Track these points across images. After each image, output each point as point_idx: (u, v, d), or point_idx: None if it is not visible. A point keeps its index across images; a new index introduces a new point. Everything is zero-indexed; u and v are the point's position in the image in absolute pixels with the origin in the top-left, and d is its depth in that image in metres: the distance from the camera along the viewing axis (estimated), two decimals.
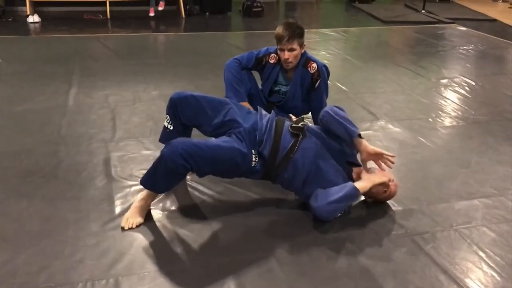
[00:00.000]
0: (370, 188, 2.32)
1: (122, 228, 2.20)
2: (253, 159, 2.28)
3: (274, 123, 2.39)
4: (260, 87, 3.18)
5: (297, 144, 2.32)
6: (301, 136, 2.35)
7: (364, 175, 2.36)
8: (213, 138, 2.38)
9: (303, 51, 2.95)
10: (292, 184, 2.36)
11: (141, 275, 1.94)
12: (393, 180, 2.43)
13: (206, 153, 2.15)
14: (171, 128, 2.53)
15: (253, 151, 2.30)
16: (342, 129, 2.36)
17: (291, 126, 2.39)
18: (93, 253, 2.05)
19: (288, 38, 2.80)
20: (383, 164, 2.38)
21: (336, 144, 2.43)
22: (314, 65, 2.98)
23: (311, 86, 3.01)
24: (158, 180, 2.20)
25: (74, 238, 2.14)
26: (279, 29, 2.85)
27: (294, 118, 2.45)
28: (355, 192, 2.26)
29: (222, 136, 2.36)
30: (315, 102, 3.10)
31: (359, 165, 2.46)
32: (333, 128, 2.40)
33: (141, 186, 2.55)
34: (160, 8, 7.59)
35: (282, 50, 2.87)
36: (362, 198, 2.49)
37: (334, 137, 2.43)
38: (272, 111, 2.62)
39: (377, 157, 2.37)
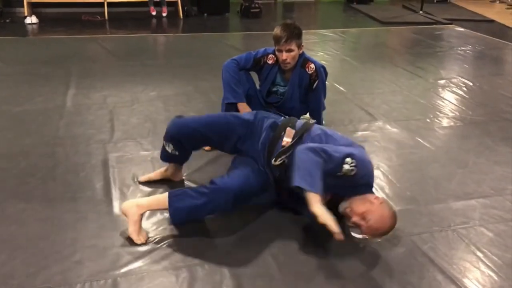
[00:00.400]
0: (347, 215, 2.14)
1: (141, 242, 2.13)
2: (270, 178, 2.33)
3: (267, 144, 2.32)
4: (258, 87, 3.19)
5: (283, 177, 2.25)
6: (286, 163, 2.23)
7: (320, 208, 1.98)
8: None
9: (301, 51, 2.96)
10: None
11: (139, 276, 1.94)
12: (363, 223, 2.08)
13: (249, 192, 2.23)
14: (177, 153, 2.47)
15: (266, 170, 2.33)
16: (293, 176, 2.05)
17: (273, 162, 2.26)
18: (91, 254, 2.05)
19: (286, 39, 2.80)
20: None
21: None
22: (312, 65, 2.99)
23: (309, 86, 3.02)
24: (191, 215, 2.18)
25: (72, 239, 2.14)
26: (277, 30, 2.85)
27: (285, 140, 2.29)
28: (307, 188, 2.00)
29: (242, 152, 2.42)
30: (313, 103, 3.12)
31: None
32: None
33: (140, 189, 2.57)
34: (164, 14, 7.61)
35: (280, 51, 2.86)
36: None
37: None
38: (265, 130, 2.40)
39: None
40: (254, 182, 2.24)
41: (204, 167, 2.82)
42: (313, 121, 2.98)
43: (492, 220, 2.41)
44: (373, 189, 2.33)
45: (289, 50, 2.84)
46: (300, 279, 1.97)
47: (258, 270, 2.01)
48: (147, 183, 2.62)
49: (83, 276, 1.92)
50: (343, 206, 2.15)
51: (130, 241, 2.13)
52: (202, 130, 2.39)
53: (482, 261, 2.11)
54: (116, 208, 2.38)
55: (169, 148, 2.46)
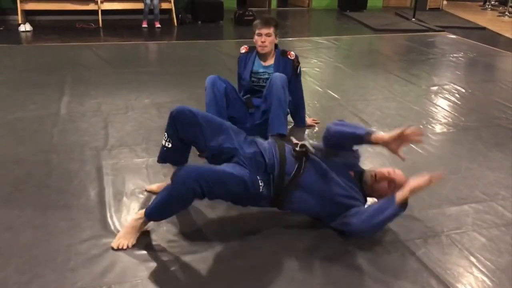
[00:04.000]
0: (376, 185, 2.30)
1: (112, 248, 2.12)
2: (260, 184, 2.21)
3: (276, 148, 2.33)
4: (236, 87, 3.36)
5: (302, 167, 2.26)
6: (304, 159, 2.29)
7: (403, 184, 2.20)
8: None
9: (276, 41, 3.27)
10: (303, 206, 2.29)
11: (134, 283, 1.94)
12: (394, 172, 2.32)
13: (218, 175, 2.10)
14: (169, 146, 2.46)
15: (258, 177, 2.22)
16: (349, 136, 2.28)
17: (294, 150, 2.33)
18: (85, 261, 2.04)
19: (265, 23, 3.15)
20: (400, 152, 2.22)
21: (338, 159, 2.35)
22: (293, 53, 3.32)
23: (293, 72, 3.27)
24: (162, 209, 2.15)
25: (66, 247, 2.13)
26: (259, 18, 3.24)
27: (294, 140, 2.44)
28: (398, 211, 2.15)
29: (224, 163, 2.28)
30: (298, 94, 3.40)
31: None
32: (339, 142, 2.33)
33: (134, 196, 2.57)
34: (158, 26, 7.59)
35: (260, 34, 3.16)
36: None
37: (336, 152, 2.36)
38: (270, 139, 2.58)
39: (401, 140, 2.19)
40: (235, 180, 2.12)
41: None
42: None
43: (485, 225, 2.42)
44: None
45: (268, 34, 3.16)
46: (295, 285, 1.97)
47: (253, 277, 2.01)
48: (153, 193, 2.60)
49: (77, 283, 1.91)
50: (368, 174, 2.35)
51: (125, 249, 2.13)
52: (197, 114, 2.37)
53: (475, 266, 2.13)
54: (110, 216, 2.38)
55: (164, 141, 2.46)
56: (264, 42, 3.17)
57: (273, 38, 3.20)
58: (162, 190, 2.16)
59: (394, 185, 2.27)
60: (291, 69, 3.27)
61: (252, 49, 3.32)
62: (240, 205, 2.31)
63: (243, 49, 3.36)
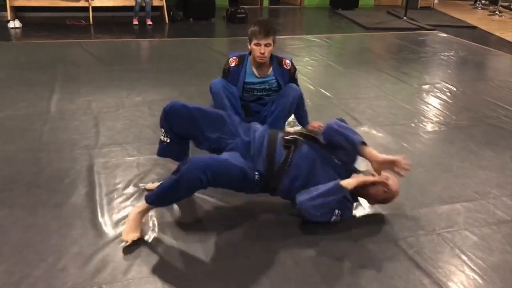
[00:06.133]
0: (366, 189, 2.33)
1: (126, 242, 2.12)
2: (255, 173, 2.29)
3: (266, 138, 2.39)
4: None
5: (290, 157, 2.32)
6: (293, 147, 2.34)
7: (354, 175, 2.36)
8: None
9: (274, 48, 3.08)
10: (291, 194, 2.33)
11: (125, 283, 1.92)
12: (388, 179, 2.35)
13: (223, 166, 2.17)
14: (168, 140, 2.49)
15: (254, 165, 2.31)
16: (343, 139, 2.35)
17: (283, 139, 2.39)
18: (76, 261, 2.02)
19: (267, 33, 2.92)
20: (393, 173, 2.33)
21: (332, 155, 2.40)
22: (288, 61, 3.15)
23: (290, 80, 3.15)
24: (167, 196, 2.19)
25: (56, 246, 2.11)
26: (256, 26, 2.96)
27: (288, 130, 2.46)
28: (338, 186, 2.23)
29: (222, 152, 2.36)
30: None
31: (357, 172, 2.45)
32: (336, 139, 2.38)
33: (125, 195, 2.55)
34: (149, 23, 7.54)
35: (259, 45, 2.95)
36: (366, 205, 2.50)
37: (332, 149, 2.41)
38: (266, 125, 2.65)
39: (390, 165, 2.31)
40: (237, 170, 2.21)
41: None
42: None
43: (476, 224, 2.44)
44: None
45: (267, 45, 2.96)
46: (286, 284, 1.97)
47: (245, 275, 2.01)
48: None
49: (68, 283, 1.90)
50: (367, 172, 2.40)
51: (115, 248, 2.11)
52: (191, 108, 2.43)
53: (466, 264, 2.13)
54: (102, 214, 2.36)
55: (162, 135, 2.50)
56: (264, 53, 2.95)
57: (272, 48, 3.00)
58: (167, 179, 2.18)
59: (387, 191, 2.34)
60: (288, 78, 3.14)
61: (242, 59, 3.10)
62: (236, 190, 2.36)
63: (232, 62, 3.09)
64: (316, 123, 3.27)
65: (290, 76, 3.16)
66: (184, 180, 2.10)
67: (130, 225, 2.18)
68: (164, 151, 2.56)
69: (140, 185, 2.65)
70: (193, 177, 2.08)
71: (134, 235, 2.15)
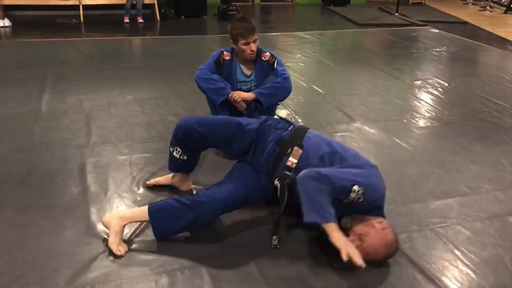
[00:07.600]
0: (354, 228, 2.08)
1: (120, 254, 2.06)
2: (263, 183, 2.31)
3: (271, 160, 2.25)
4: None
5: (285, 196, 2.14)
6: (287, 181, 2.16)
7: (343, 238, 1.99)
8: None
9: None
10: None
11: (118, 282, 1.91)
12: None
13: (241, 195, 2.21)
14: (185, 158, 2.45)
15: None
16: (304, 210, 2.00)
17: (277, 177, 2.19)
18: (68, 262, 2.01)
19: (252, 30, 2.98)
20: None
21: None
22: (267, 54, 3.16)
23: (271, 70, 3.14)
24: (180, 229, 2.19)
25: (48, 247, 2.10)
26: (240, 26, 2.98)
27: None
28: (321, 221, 1.97)
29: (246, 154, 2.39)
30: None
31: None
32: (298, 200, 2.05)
33: (117, 194, 2.54)
34: (140, 21, 7.49)
35: (248, 43, 2.98)
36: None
37: None
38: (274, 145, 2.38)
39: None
40: (246, 194, 2.22)
41: (214, 172, 2.63)
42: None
43: (469, 219, 2.44)
44: None
45: (255, 41, 3.01)
46: (280, 282, 1.97)
47: (238, 273, 2.00)
48: (153, 188, 2.59)
49: (60, 284, 1.88)
50: (344, 221, 2.13)
51: (108, 248, 2.10)
52: (207, 136, 2.38)
53: (460, 259, 2.14)
54: (93, 214, 2.35)
55: (177, 154, 2.43)
56: (254, 50, 3.01)
57: (257, 42, 3.06)
58: (182, 212, 2.13)
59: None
60: (268, 69, 3.14)
61: (232, 54, 3.14)
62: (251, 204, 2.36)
63: (227, 56, 3.13)
64: (237, 95, 3.02)
65: (270, 65, 3.15)
66: (203, 217, 2.15)
67: (119, 237, 2.11)
68: (179, 167, 2.52)
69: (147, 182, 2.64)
70: (213, 211, 2.16)
71: (124, 246, 2.11)
